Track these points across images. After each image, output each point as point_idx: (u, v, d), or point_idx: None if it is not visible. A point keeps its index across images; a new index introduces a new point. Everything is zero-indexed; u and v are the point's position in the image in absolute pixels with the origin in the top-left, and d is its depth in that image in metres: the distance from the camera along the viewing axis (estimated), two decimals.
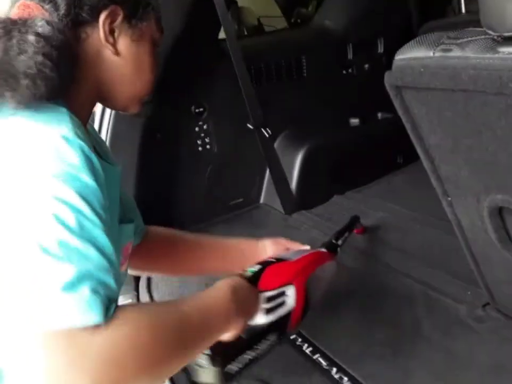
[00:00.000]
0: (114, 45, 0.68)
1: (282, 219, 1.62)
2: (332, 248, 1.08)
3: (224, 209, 1.67)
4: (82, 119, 0.66)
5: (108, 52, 0.68)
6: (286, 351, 1.01)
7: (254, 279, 0.79)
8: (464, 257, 1.17)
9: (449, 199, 0.81)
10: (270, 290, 0.79)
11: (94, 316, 0.48)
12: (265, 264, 0.84)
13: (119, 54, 0.69)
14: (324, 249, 1.04)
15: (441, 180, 0.78)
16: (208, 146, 1.62)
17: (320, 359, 0.97)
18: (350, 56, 1.85)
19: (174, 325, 0.57)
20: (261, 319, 0.77)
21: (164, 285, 1.36)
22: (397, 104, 0.71)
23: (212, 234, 1.58)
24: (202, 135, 1.60)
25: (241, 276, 0.77)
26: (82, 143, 0.55)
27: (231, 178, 1.67)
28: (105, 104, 0.79)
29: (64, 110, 0.59)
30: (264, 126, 1.54)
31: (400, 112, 0.72)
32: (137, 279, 1.43)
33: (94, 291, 0.49)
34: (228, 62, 1.52)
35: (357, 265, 1.27)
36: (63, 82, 0.59)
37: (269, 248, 1.01)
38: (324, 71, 1.79)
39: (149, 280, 1.41)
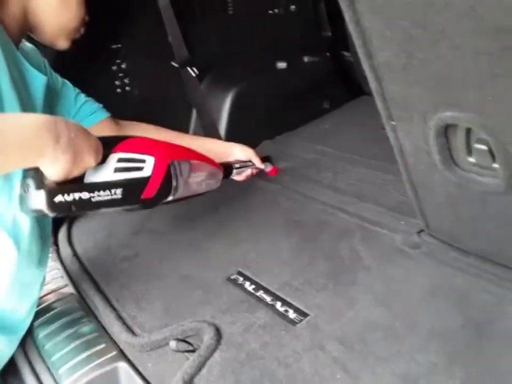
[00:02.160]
0: None
1: None
2: (226, 166, 1.14)
3: None
4: (10, 32, 0.79)
5: None
6: (229, 291, 0.98)
7: (111, 141, 0.76)
8: (395, 192, 1.22)
9: (393, 123, 0.80)
10: (124, 152, 0.76)
11: None
12: (132, 137, 0.80)
13: None
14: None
15: (387, 102, 0.76)
16: (128, 88, 1.49)
17: (264, 295, 0.95)
18: None
19: None
20: (108, 176, 0.73)
21: (86, 239, 1.25)
22: (348, 17, 0.67)
23: None
24: (121, 75, 1.46)
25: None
26: None
27: (154, 123, 1.56)
28: (35, 35, 0.86)
29: None
30: (190, 64, 1.44)
31: (351, 27, 0.68)
32: (56, 232, 1.30)
33: None
34: None
35: (293, 204, 1.26)
36: None
37: (237, 152, 1.24)
38: (250, 9, 1.71)
39: (69, 232, 1.30)
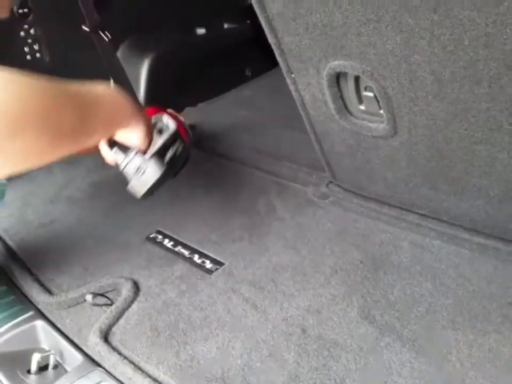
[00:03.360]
0: None
1: None
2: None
3: None
4: None
5: None
6: (147, 249, 1.00)
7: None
8: (309, 150, 1.28)
9: (293, 75, 0.84)
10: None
11: None
12: None
13: None
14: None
15: (285, 54, 0.81)
16: (38, 55, 1.43)
17: (182, 250, 0.98)
18: None
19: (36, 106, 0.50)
20: (160, 139, 0.81)
21: None
22: None
23: None
24: (30, 41, 1.40)
25: None
26: None
27: None
28: None
29: None
30: (102, 28, 1.40)
31: None
32: None
33: None
34: None
35: (213, 166, 1.29)
36: None
37: None
38: None
39: None
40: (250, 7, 2.09)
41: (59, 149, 0.56)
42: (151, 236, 1.04)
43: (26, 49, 1.39)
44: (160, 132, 0.83)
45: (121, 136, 0.75)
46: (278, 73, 1.93)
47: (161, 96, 1.61)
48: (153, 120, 0.85)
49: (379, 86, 0.71)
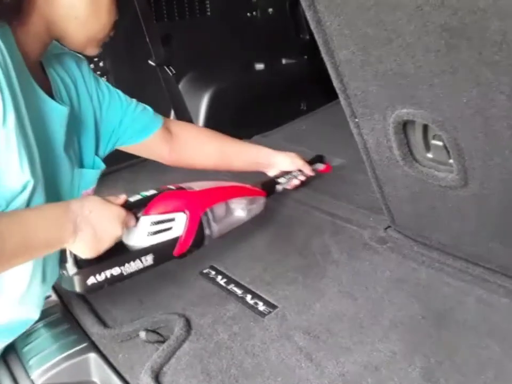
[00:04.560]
0: None
1: None
2: (268, 185, 1.13)
3: (127, 156, 1.58)
4: (30, 51, 0.70)
5: None
6: (200, 285, 1.00)
7: (138, 203, 0.80)
8: (367, 190, 1.25)
9: (357, 120, 0.83)
10: (155, 214, 0.81)
11: None
12: (160, 191, 0.85)
13: None
14: (258, 185, 1.09)
15: (350, 99, 0.79)
16: None
17: (235, 289, 0.97)
18: None
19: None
20: (141, 241, 0.79)
21: None
22: (309, 16, 0.69)
23: (115, 181, 1.50)
24: (99, 73, 1.48)
25: (126, 200, 0.79)
26: None
27: None
28: (62, 42, 0.77)
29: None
30: (167, 63, 1.46)
31: (312, 26, 0.71)
32: None
33: None
34: None
35: (268, 202, 1.29)
36: (7, 9, 0.63)
37: (283, 164, 1.20)
38: (228, 11, 1.73)
39: None
40: (308, 43, 2.13)
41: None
42: (204, 271, 1.04)
43: None
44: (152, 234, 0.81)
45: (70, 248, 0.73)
46: (333, 108, 1.94)
47: (218, 128, 1.64)
48: (162, 216, 0.82)
49: (450, 136, 0.68)
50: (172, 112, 1.61)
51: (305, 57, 1.97)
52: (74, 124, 0.83)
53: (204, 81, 1.63)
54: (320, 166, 1.34)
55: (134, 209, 0.79)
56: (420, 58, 0.62)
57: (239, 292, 0.96)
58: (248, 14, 1.81)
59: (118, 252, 0.76)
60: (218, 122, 1.64)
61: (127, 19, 1.43)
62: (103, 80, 0.96)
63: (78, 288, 0.75)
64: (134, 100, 1.01)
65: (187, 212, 0.83)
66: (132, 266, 0.79)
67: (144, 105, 1.03)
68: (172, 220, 0.81)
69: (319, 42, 0.72)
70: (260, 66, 1.79)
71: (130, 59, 1.50)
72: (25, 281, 0.75)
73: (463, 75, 0.59)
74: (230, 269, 1.04)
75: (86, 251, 0.72)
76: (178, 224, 0.82)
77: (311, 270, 1.00)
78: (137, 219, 0.78)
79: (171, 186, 0.87)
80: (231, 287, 0.98)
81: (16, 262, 0.66)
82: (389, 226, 1.06)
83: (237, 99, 1.67)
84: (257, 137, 1.71)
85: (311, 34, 2.16)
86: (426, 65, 0.62)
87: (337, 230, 1.12)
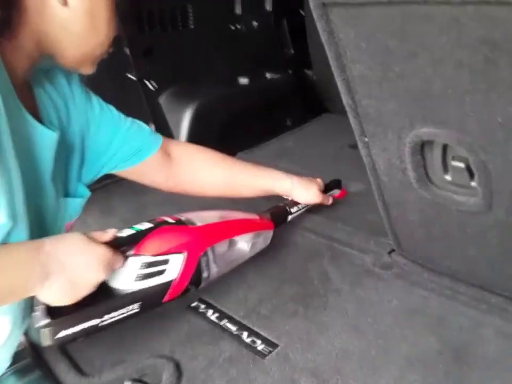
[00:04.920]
0: None
1: None
2: (278, 216, 1.02)
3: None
4: (17, 69, 0.62)
5: (54, 1, 0.59)
6: (188, 321, 0.90)
7: (130, 240, 0.71)
8: (366, 211, 1.18)
9: (366, 139, 0.76)
10: (147, 255, 0.70)
11: None
12: (157, 225, 0.74)
13: (67, 4, 0.60)
14: (267, 215, 0.98)
15: (360, 117, 0.73)
16: None
17: (229, 325, 0.88)
18: (238, 11, 1.75)
19: None
20: (127, 285, 0.69)
21: None
22: (320, 27, 0.63)
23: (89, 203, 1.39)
24: None
25: (116, 236, 0.69)
26: None
27: None
28: (54, 60, 0.67)
29: None
30: (148, 77, 1.37)
31: (323, 38, 0.64)
32: None
33: None
34: None
35: None
36: None
37: (299, 196, 1.07)
38: (211, 24, 1.66)
39: None
40: (293, 57, 2.07)
41: None
42: (192, 305, 0.94)
43: None
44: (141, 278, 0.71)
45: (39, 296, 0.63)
46: (319, 123, 1.89)
47: (201, 144, 1.56)
48: (155, 257, 0.72)
49: (477, 158, 0.62)
50: (153, 126, 1.52)
51: (290, 71, 1.92)
52: (62, 148, 0.73)
53: (186, 96, 1.55)
54: (337, 192, 1.23)
55: (124, 246, 0.69)
56: (450, 74, 0.55)
57: (233, 328, 0.87)
58: (232, 27, 1.75)
59: (99, 298, 0.66)
60: (201, 138, 1.55)
61: None
62: (95, 96, 0.85)
63: (45, 342, 0.64)
64: (130, 119, 0.89)
65: (185, 253, 0.73)
66: (114, 316, 0.68)
67: (141, 123, 0.92)
68: (165, 262, 0.71)
69: (330, 56, 0.65)
70: (243, 80, 1.72)
71: (108, 71, 1.40)
72: (5, 331, 0.65)
73: (500, 93, 0.53)
74: (221, 301, 0.94)
75: (58, 299, 0.62)
76: (173, 267, 0.72)
77: (312, 300, 0.92)
78: (126, 257, 0.68)
79: (168, 219, 0.77)
80: (224, 323, 0.89)
81: None
82: (393, 250, 0.99)
83: (220, 114, 1.59)
84: (240, 154, 1.64)
85: (296, 49, 2.12)
86: (457, 82, 0.55)
87: (336, 255, 1.05)
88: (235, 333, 0.86)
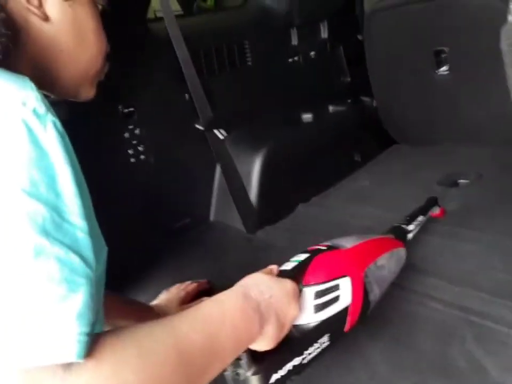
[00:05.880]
0: (39, 7, 0.55)
1: (245, 239, 1.32)
2: (400, 234, 0.98)
3: (168, 234, 1.32)
4: None
5: (35, 18, 0.56)
6: None
7: (296, 272, 0.69)
8: (491, 267, 0.99)
9: None
10: (319, 283, 0.68)
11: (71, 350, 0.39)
12: (313, 253, 0.73)
13: (49, 19, 0.57)
14: (390, 235, 0.95)
15: None
16: (142, 157, 1.26)
17: None
18: (294, 41, 1.62)
19: (169, 354, 0.47)
20: (309, 318, 0.67)
21: None
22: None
23: (158, 270, 1.24)
24: (135, 142, 1.24)
25: (280, 270, 0.69)
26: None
27: (174, 194, 1.33)
28: (51, 91, 0.63)
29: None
30: (216, 126, 1.22)
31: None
32: None
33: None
34: (159, 47, 1.19)
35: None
36: None
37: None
38: (268, 59, 1.53)
39: None
40: (351, 85, 1.90)
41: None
42: None
43: (130, 151, 1.23)
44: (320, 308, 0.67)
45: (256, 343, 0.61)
46: (391, 156, 1.71)
47: (273, 194, 1.40)
48: (326, 284, 0.68)
49: None
50: (215, 183, 1.37)
51: (349, 101, 1.77)
52: None
53: (251, 141, 1.40)
54: (436, 210, 1.16)
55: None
56: None
57: None
58: (290, 59, 1.61)
59: (290, 336, 0.63)
60: (272, 185, 1.41)
61: (164, 75, 1.21)
62: None
63: None
64: None
65: (350, 275, 0.71)
66: (311, 351, 0.65)
67: None
68: (336, 287, 0.69)
69: None
70: (307, 116, 1.57)
71: (169, 124, 1.26)
72: None
73: None
74: None
75: (270, 343, 0.60)
76: (345, 292, 0.70)
77: None
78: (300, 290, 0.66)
79: (320, 247, 0.76)
80: None
81: (204, 379, 0.52)
82: None
83: (289, 159, 1.44)
84: (316, 198, 1.48)
85: (352, 76, 1.96)
86: None
87: (479, 331, 0.86)
88: None
